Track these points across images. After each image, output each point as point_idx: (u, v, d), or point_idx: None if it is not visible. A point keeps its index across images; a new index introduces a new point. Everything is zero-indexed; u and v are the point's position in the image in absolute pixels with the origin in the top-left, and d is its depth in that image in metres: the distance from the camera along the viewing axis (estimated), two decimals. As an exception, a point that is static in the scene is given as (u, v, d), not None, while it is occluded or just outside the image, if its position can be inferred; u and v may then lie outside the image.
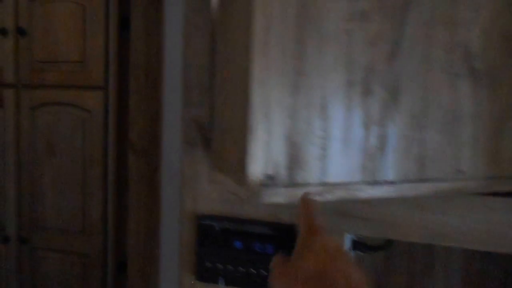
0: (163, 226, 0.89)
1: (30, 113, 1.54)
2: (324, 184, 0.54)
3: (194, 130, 0.76)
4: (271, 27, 0.50)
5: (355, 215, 0.68)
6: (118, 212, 1.49)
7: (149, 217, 1.41)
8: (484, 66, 0.60)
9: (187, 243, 0.77)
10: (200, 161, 0.76)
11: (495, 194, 0.65)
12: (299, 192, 0.51)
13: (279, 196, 0.53)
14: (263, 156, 0.51)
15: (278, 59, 0.51)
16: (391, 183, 0.56)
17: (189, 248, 0.77)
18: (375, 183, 0.56)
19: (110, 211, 1.49)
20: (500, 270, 0.79)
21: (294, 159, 0.53)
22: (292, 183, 0.53)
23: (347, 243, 0.71)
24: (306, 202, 0.47)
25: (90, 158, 1.49)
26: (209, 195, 0.75)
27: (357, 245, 0.76)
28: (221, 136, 0.66)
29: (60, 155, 1.53)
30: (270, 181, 0.52)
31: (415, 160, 0.58)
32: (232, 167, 0.58)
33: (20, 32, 1.51)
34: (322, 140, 0.54)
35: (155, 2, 1.34)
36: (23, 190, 1.56)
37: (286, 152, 0.52)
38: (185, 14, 0.76)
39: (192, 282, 0.76)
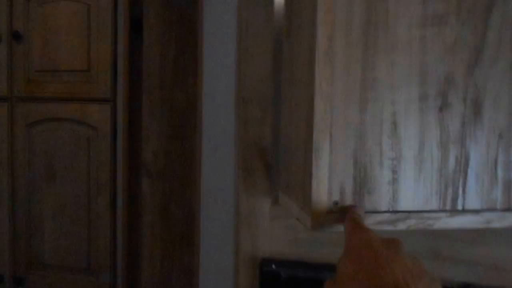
0: (204, 270, 0.81)
1: (25, 130, 1.47)
2: (395, 212, 0.53)
3: (253, 153, 0.69)
4: (335, 36, 0.51)
5: (452, 257, 0.61)
6: (129, 245, 1.41)
7: (166, 252, 1.34)
8: None
9: (245, 293, 0.70)
10: (260, 192, 0.69)
11: None
12: (367, 220, 0.52)
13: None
14: (328, 179, 0.51)
15: (344, 71, 0.51)
16: (475, 212, 0.54)
17: (247, 299, 0.70)
18: (455, 212, 0.54)
19: (120, 244, 1.41)
20: None
21: (362, 183, 0.52)
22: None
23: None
24: (352, 210, 0.48)
25: (96, 182, 1.42)
26: (272, 234, 0.68)
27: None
28: (287, 158, 0.61)
29: (61, 180, 1.46)
30: (335, 207, 0.52)
31: (502, 185, 0.54)
32: (296, 192, 0.57)
33: (16, 37, 1.44)
34: (393, 161, 0.52)
35: (170, 1, 1.29)
36: (18, 222, 1.48)
37: (353, 175, 0.52)
38: (239, 14, 0.70)
39: None
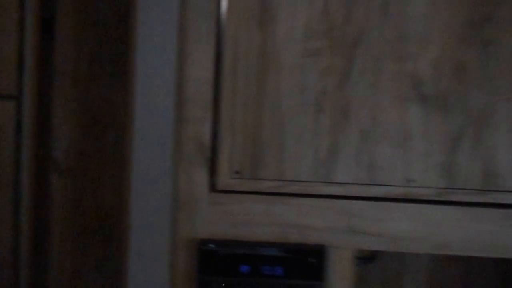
0: (134, 257, 0.78)
1: None
2: (281, 180, 0.70)
3: (192, 148, 0.70)
4: (238, 62, 0.70)
5: (366, 230, 0.71)
6: (35, 242, 1.27)
7: (77, 247, 1.25)
8: (434, 92, 0.70)
9: (183, 272, 0.71)
10: (200, 182, 0.71)
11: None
12: (263, 185, 0.70)
13: (245, 187, 0.70)
14: (229, 155, 0.70)
15: (244, 84, 0.69)
16: (342, 184, 0.71)
17: (185, 278, 0.71)
18: (327, 183, 0.71)
19: (23, 242, 1.25)
20: (459, 274, 0.91)
21: (257, 160, 0.70)
22: (255, 178, 0.71)
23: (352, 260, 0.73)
24: None
25: (-4, 181, 1.24)
26: (211, 218, 0.70)
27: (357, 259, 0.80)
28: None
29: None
30: (237, 174, 0.70)
31: (364, 167, 0.70)
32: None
33: None
34: (280, 146, 0.70)
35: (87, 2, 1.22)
36: None
37: (251, 154, 0.70)
38: (182, 21, 0.71)
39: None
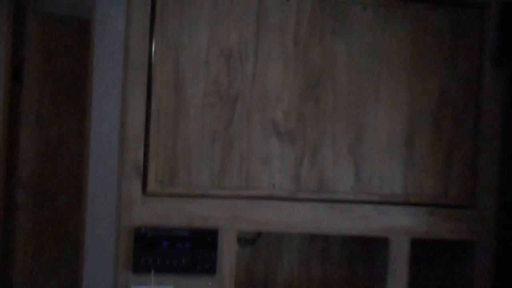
0: (89, 243, 1.13)
1: None
2: (189, 187, 1.08)
3: (131, 167, 1.08)
4: (161, 112, 1.09)
5: (244, 218, 1.11)
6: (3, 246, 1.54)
7: (37, 249, 1.53)
8: (286, 130, 1.13)
9: (125, 249, 1.07)
10: (136, 189, 1.08)
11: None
12: (177, 190, 1.08)
13: (165, 191, 1.07)
14: (156, 172, 1.08)
15: (164, 126, 1.09)
16: (229, 189, 1.10)
17: (125, 252, 1.07)
18: (220, 188, 1.10)
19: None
20: (320, 249, 1.34)
21: (173, 173, 1.08)
22: (173, 185, 1.07)
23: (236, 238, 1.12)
24: None
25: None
26: (143, 213, 1.07)
27: (240, 240, 1.19)
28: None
29: None
30: (160, 183, 1.06)
31: (243, 178, 1.11)
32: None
33: None
34: (188, 165, 1.09)
35: (50, 56, 1.55)
36: None
37: (169, 169, 1.07)
38: (124, 85, 1.09)
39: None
